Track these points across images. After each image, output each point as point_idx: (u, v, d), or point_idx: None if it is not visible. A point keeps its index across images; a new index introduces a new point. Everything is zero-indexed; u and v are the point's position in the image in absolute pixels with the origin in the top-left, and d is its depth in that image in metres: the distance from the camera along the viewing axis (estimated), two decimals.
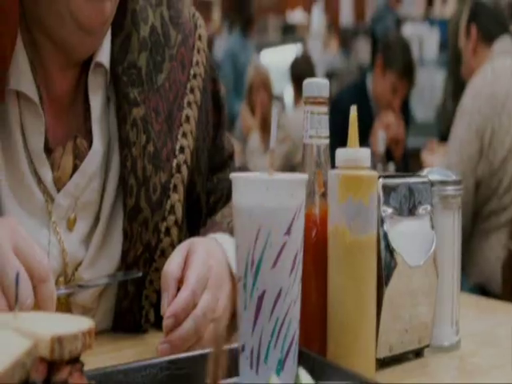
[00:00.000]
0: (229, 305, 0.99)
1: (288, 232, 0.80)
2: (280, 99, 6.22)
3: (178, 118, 1.17)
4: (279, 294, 0.80)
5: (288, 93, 6.56)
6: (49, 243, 1.06)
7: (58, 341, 0.62)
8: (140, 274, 1.09)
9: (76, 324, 0.67)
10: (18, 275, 0.69)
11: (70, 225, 1.09)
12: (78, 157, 1.09)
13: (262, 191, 0.79)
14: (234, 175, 0.82)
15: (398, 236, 0.96)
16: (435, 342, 1.04)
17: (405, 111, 3.91)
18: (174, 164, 1.15)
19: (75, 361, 0.65)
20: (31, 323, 0.67)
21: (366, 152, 0.91)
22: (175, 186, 1.15)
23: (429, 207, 1.01)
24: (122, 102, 1.12)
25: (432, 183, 1.03)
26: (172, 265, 0.98)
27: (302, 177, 0.83)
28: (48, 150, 1.07)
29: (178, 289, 0.96)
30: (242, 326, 0.82)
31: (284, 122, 4.58)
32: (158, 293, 1.09)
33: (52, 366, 0.62)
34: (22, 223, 0.92)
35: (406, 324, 0.98)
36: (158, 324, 1.11)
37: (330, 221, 0.91)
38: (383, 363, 0.96)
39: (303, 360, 0.84)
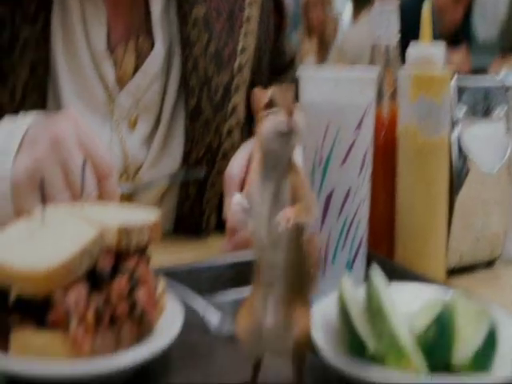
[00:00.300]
0: None
1: (358, 128, 0.77)
2: (338, 15, 6.08)
3: (239, 18, 1.13)
4: (348, 193, 0.78)
5: (347, 9, 6.40)
6: (111, 142, 1.05)
7: (125, 231, 0.61)
8: (203, 174, 1.07)
9: (143, 215, 0.66)
10: (84, 163, 0.68)
11: (132, 125, 1.08)
12: (140, 57, 1.08)
13: (331, 87, 0.76)
14: (301, 72, 0.79)
15: (471, 140, 0.92)
16: (507, 254, 1.00)
17: (467, 30, 3.78)
18: (236, 64, 1.12)
19: (142, 252, 0.65)
20: (98, 213, 0.66)
21: (439, 48, 0.86)
22: (237, 87, 1.12)
23: (504, 110, 0.96)
24: (183, 1, 1.09)
25: (507, 88, 0.98)
26: (235, 166, 0.96)
27: (372, 73, 0.79)
28: (110, 49, 1.06)
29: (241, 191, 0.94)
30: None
31: (342, 40, 4.47)
32: (220, 196, 1.09)
33: (119, 256, 0.62)
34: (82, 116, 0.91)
35: (478, 232, 0.95)
36: (219, 228, 1.10)
37: (399, 121, 0.88)
38: (453, 271, 0.94)
39: (371, 263, 0.82)
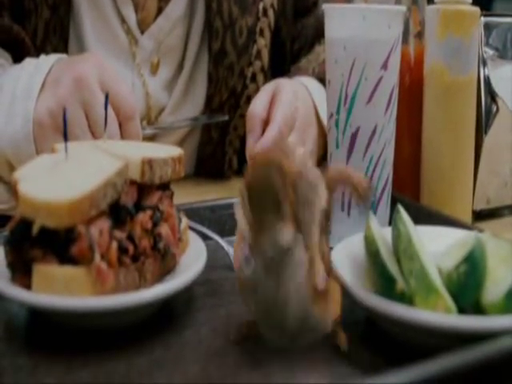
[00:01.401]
0: (315, 149, 0.96)
1: (384, 66, 0.75)
2: None
3: None
4: (374, 132, 0.76)
5: None
6: (133, 85, 1.04)
7: (149, 163, 0.60)
8: (226, 118, 1.06)
9: (166, 150, 0.65)
10: (107, 96, 0.67)
11: (154, 69, 1.07)
12: (163, 0, 1.06)
13: (359, 21, 0.74)
14: (327, 5, 0.77)
15: (500, 80, 0.90)
16: None
17: None
18: (261, 7, 1.10)
19: (165, 188, 0.64)
20: (121, 148, 0.65)
21: None
22: (262, 31, 1.11)
23: None
24: None
25: None
26: (257, 105, 0.94)
27: (399, 7, 0.77)
28: None
29: (263, 132, 0.93)
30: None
31: None
32: (242, 139, 1.08)
33: (142, 190, 0.61)
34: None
35: (506, 177, 0.93)
36: (241, 171, 1.09)
37: (426, 60, 0.86)
38: (479, 216, 0.92)
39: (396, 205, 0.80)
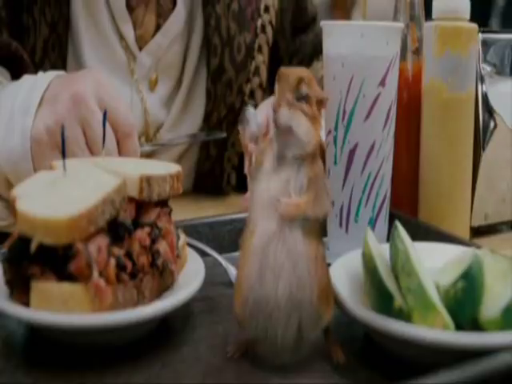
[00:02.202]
0: None
1: (382, 82, 0.75)
2: None
3: None
4: (372, 148, 0.76)
5: None
6: (131, 101, 1.04)
7: (147, 180, 0.60)
8: (224, 135, 1.06)
9: (164, 167, 0.65)
10: (105, 114, 0.67)
11: (152, 85, 1.07)
12: (161, 16, 1.06)
13: (357, 38, 0.74)
14: (325, 22, 0.78)
15: (498, 97, 0.90)
16: None
17: None
18: (259, 24, 1.11)
19: (164, 204, 0.64)
20: (120, 165, 0.65)
21: (465, 2, 0.84)
22: (260, 47, 1.11)
23: None
24: None
25: None
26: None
27: (398, 24, 0.78)
28: (130, 8, 1.04)
29: None
30: (331, 182, 0.79)
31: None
32: (241, 156, 1.08)
33: (141, 207, 0.61)
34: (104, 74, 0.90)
35: (504, 193, 0.94)
36: (239, 187, 1.09)
37: (424, 76, 0.86)
38: (477, 232, 0.92)
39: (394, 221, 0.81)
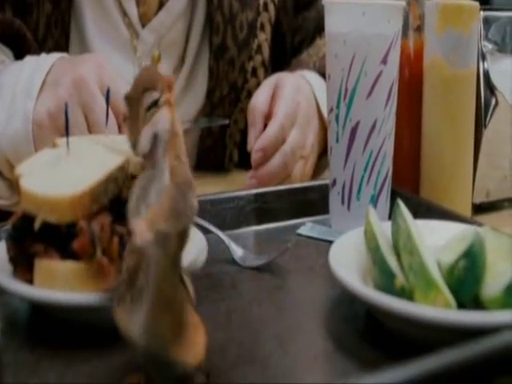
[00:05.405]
0: (316, 143, 0.97)
1: (384, 60, 0.75)
2: None
3: None
4: (374, 126, 0.76)
5: None
6: (133, 78, 1.04)
7: None
8: (226, 122, 1.06)
9: None
10: (108, 92, 0.67)
11: (155, 62, 1.07)
12: None
13: (358, 16, 0.74)
14: (326, 1, 0.77)
15: (499, 74, 0.90)
16: None
17: None
18: (261, 1, 1.11)
19: None
20: (123, 143, 0.65)
21: None
22: (262, 25, 1.11)
23: None
24: None
25: None
26: (259, 99, 0.94)
27: (399, 2, 0.77)
28: None
29: (265, 126, 0.93)
30: (333, 160, 0.79)
31: None
32: (243, 133, 1.08)
33: None
34: (107, 57, 0.90)
35: (505, 170, 0.94)
36: (241, 164, 1.09)
37: (426, 54, 0.86)
38: (479, 209, 0.93)
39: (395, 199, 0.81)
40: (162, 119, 0.53)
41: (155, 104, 0.54)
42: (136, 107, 0.54)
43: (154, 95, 0.54)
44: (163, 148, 0.52)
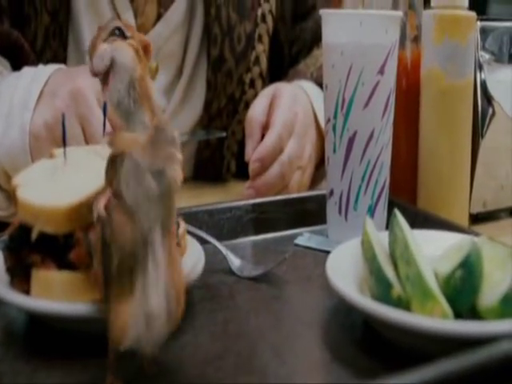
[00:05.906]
0: (314, 153, 0.97)
1: (381, 71, 0.76)
2: None
3: None
4: (371, 136, 0.77)
5: None
6: None
7: None
8: (223, 135, 1.06)
9: None
10: (105, 104, 0.67)
11: (152, 74, 1.07)
12: (163, 5, 1.07)
13: (356, 27, 0.74)
14: (324, 11, 0.78)
15: (496, 84, 0.90)
16: None
17: None
18: (259, 13, 1.11)
19: None
20: None
21: None
22: (260, 37, 1.11)
23: None
24: None
25: None
26: (257, 110, 0.95)
27: (397, 12, 0.78)
28: None
29: (262, 136, 0.93)
30: (331, 170, 0.79)
31: None
32: (240, 144, 1.08)
33: None
34: None
35: (503, 180, 0.94)
36: (238, 174, 1.10)
37: (423, 64, 0.86)
38: (476, 219, 0.93)
39: (393, 209, 0.81)
40: (124, 51, 0.52)
41: (120, 34, 0.52)
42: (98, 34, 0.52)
43: (119, 27, 0.52)
44: (135, 100, 0.53)
